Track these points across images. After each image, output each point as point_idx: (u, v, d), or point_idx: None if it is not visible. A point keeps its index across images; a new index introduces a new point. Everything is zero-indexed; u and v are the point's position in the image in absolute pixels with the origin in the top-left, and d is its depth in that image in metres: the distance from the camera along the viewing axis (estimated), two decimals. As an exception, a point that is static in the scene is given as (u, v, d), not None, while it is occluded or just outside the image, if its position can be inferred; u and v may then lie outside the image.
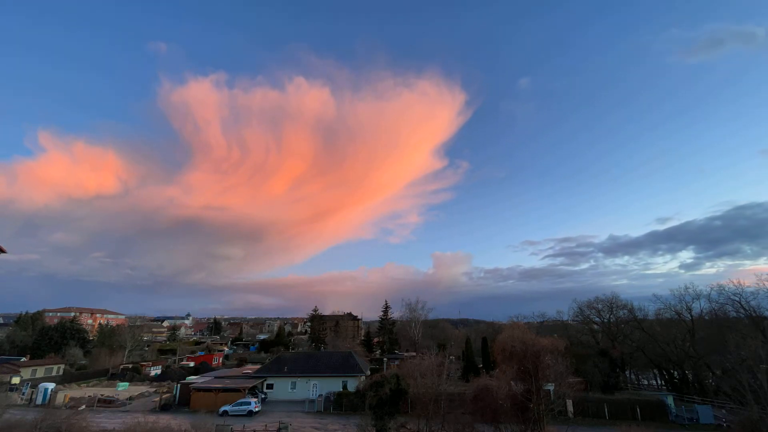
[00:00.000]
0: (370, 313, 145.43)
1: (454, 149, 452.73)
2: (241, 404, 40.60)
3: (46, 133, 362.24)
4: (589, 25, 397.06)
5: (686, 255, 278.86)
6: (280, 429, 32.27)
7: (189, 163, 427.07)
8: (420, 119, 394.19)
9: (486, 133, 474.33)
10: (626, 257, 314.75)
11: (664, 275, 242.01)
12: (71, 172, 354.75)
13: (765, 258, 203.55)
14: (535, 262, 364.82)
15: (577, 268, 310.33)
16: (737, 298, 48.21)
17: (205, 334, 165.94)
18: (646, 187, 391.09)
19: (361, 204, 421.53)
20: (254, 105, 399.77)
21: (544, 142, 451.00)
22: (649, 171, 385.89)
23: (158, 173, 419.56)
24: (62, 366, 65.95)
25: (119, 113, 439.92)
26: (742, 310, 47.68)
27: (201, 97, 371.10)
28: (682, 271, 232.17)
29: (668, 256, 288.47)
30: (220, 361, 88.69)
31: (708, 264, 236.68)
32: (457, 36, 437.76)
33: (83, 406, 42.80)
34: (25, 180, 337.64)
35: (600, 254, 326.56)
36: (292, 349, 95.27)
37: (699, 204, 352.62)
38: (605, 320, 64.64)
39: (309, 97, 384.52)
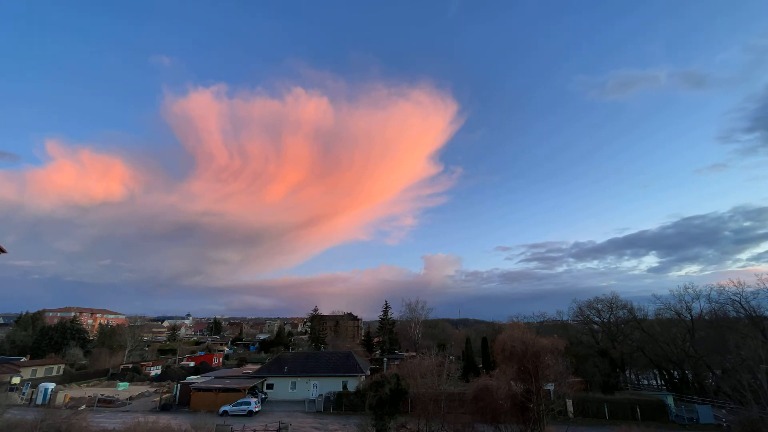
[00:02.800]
0: (369, 314, 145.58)
1: (448, 155, 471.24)
2: (241, 404, 40.61)
3: (53, 143, 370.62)
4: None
5: (651, 259, 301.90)
6: (280, 429, 32.29)
7: (192, 172, 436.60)
8: (415, 127, 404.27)
9: (476, 141, 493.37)
10: (595, 261, 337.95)
11: (652, 276, 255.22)
12: (79, 179, 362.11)
13: (730, 261, 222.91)
14: (511, 266, 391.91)
15: (552, 272, 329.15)
16: (737, 298, 48.28)
17: (205, 334, 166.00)
18: (604, 200, 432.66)
19: (357, 208, 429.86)
20: (254, 114, 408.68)
21: (501, 158, 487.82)
22: (602, 187, 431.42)
23: (162, 181, 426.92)
24: (62, 366, 65.88)
25: (126, 124, 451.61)
26: (742, 310, 47.71)
27: (202, 107, 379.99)
28: (651, 274, 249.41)
29: (634, 261, 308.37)
30: (220, 361, 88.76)
31: (675, 268, 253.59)
32: (443, 49, 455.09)
33: (83, 406, 42.80)
34: (34, 187, 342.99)
35: (571, 259, 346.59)
36: (292, 349, 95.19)
37: (650, 217, 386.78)
38: (605, 320, 64.66)
39: (307, 107, 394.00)
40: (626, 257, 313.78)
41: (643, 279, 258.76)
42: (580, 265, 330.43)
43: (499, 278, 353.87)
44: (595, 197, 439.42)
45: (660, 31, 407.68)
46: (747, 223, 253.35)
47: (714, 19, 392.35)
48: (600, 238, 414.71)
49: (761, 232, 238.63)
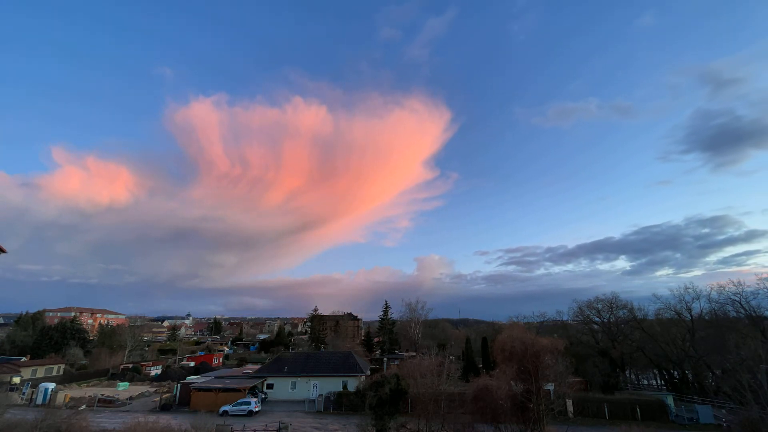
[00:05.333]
0: (366, 314, 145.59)
1: (445, 160, 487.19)
2: (242, 404, 40.62)
3: (59, 149, 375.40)
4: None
5: (622, 263, 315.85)
6: (280, 429, 32.31)
7: (194, 178, 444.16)
8: (411, 133, 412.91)
9: (470, 147, 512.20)
10: (570, 265, 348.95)
11: (643, 277, 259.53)
12: (85, 185, 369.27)
13: (701, 263, 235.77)
14: (491, 269, 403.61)
15: (532, 274, 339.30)
16: (737, 298, 48.27)
17: (206, 334, 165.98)
18: (569, 212, 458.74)
19: (354, 211, 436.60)
20: (254, 123, 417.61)
21: (480, 167, 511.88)
22: (565, 198, 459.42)
23: (165, 187, 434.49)
24: (62, 366, 65.87)
25: (131, 132, 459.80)
26: (742, 310, 47.71)
27: (204, 116, 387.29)
28: (636, 277, 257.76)
29: (607, 265, 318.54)
30: (220, 361, 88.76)
31: (647, 270, 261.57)
32: (433, 61, 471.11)
33: (83, 406, 42.84)
34: (40, 192, 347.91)
35: (548, 263, 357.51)
36: (292, 349, 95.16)
37: (612, 226, 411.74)
38: (605, 320, 64.63)
39: (306, 115, 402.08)
40: (598, 261, 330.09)
41: (632, 281, 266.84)
42: (557, 268, 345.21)
43: (483, 280, 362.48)
44: (562, 207, 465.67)
45: (584, 72, 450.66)
46: (705, 230, 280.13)
47: (628, 62, 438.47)
48: (570, 244, 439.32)
49: (721, 237, 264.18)
